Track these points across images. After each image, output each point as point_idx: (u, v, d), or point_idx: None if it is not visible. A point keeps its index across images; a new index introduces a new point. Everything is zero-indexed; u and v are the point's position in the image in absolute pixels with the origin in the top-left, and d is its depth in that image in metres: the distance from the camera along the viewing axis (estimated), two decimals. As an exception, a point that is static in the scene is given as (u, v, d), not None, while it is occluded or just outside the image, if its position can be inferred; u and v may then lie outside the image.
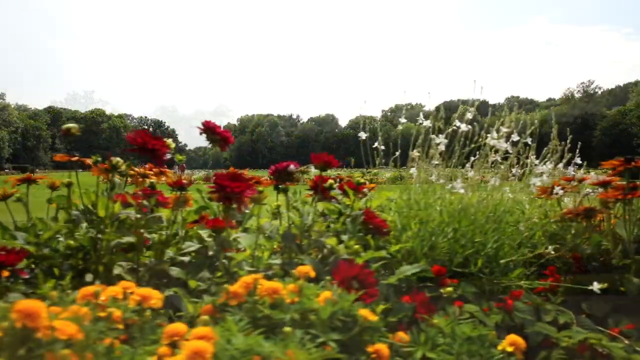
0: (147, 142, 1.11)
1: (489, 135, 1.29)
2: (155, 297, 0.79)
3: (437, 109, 1.48)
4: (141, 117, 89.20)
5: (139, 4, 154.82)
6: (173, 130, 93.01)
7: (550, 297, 1.18)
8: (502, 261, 1.18)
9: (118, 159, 1.18)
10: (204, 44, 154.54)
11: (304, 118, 76.89)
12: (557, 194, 1.31)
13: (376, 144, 1.34)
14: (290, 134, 73.86)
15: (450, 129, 1.31)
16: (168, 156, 1.19)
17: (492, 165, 1.34)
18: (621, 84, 53.58)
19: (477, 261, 1.15)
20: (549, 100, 64.31)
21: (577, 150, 1.52)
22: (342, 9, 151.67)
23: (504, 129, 1.31)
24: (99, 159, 1.22)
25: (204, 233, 1.25)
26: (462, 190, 1.29)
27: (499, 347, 0.81)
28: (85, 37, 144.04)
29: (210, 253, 1.16)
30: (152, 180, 1.34)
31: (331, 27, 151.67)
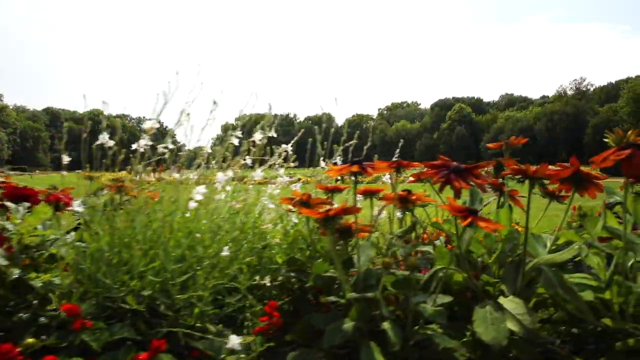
0: None
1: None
2: None
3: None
4: (139, 117, 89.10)
5: (137, 3, 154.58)
6: (172, 130, 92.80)
7: (258, 344, 0.88)
8: (178, 297, 0.87)
9: None
10: (202, 44, 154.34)
11: (301, 117, 76.50)
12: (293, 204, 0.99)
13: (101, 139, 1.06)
14: (288, 132, 74.00)
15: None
16: None
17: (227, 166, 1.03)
18: (613, 81, 53.15)
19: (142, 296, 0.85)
20: (543, 97, 63.58)
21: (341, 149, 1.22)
22: (337, 7, 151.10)
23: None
24: None
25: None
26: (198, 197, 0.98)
27: None
28: (84, 36, 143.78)
29: None
30: None
31: (328, 26, 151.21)
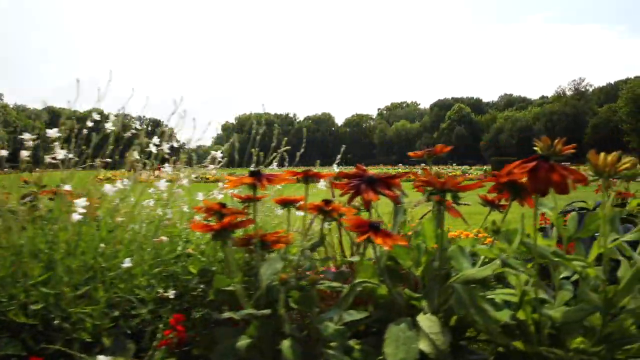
0: None
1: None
2: None
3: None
4: (139, 115, 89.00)
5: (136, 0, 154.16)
6: (172, 129, 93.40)
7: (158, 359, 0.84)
8: (71, 310, 0.83)
9: None
10: (200, 45, 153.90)
11: (300, 117, 76.40)
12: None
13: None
14: (287, 132, 73.84)
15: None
16: None
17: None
18: (612, 82, 53.00)
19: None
20: (542, 97, 63.36)
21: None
22: (338, 7, 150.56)
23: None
24: None
25: None
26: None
27: None
28: (81, 34, 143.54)
29: None
30: None
31: (328, 26, 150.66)
